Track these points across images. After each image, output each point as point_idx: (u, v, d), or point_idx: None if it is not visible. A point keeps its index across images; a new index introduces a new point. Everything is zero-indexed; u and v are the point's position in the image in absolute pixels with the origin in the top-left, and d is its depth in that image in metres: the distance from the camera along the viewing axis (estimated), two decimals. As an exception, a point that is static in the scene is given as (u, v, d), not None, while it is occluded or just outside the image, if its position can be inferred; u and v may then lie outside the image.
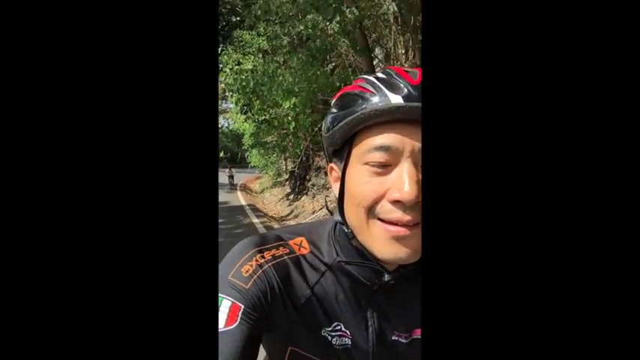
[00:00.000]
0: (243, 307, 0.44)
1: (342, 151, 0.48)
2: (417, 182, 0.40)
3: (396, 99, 0.42)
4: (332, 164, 0.51)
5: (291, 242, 0.52)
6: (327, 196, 5.81)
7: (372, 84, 0.45)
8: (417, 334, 0.53)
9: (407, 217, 0.41)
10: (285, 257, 0.50)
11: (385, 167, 0.43)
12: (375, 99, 0.43)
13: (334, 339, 0.51)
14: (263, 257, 0.49)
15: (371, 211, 0.43)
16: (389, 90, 0.43)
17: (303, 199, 7.79)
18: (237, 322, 0.43)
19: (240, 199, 9.72)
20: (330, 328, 0.50)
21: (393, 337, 0.52)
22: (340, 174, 0.49)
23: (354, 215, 0.45)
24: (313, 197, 7.21)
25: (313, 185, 7.63)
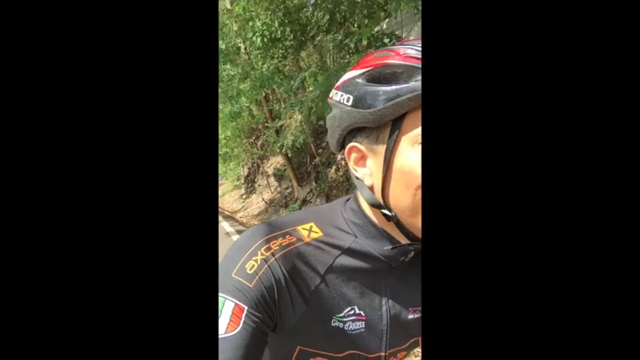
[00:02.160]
0: (246, 308, 0.42)
1: (380, 129, 0.43)
2: None
3: None
4: (354, 144, 0.46)
5: (299, 228, 0.49)
6: (263, 192, 7.87)
7: (417, 55, 0.40)
8: None
9: None
10: (293, 246, 0.46)
11: None
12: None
13: (347, 324, 0.48)
14: (269, 249, 0.45)
15: None
16: None
17: (252, 196, 9.87)
18: (240, 326, 0.41)
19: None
20: (342, 314, 0.47)
21: (409, 315, 0.50)
22: (382, 155, 0.43)
23: (410, 198, 0.42)
24: (259, 194, 9.28)
25: (259, 185, 9.73)
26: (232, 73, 4.77)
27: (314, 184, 6.14)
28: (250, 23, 4.34)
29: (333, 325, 0.47)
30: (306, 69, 4.24)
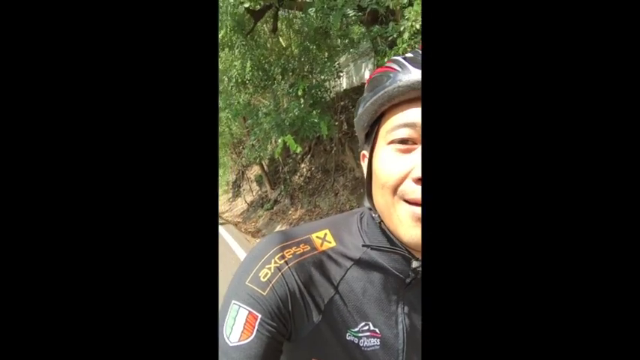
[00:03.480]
0: (260, 316, 0.42)
1: (370, 134, 0.47)
2: None
3: (419, 74, 0.40)
4: (363, 151, 0.50)
5: (313, 236, 0.49)
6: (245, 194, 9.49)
7: (398, 62, 0.44)
8: None
9: None
10: (307, 255, 0.47)
11: (410, 145, 0.41)
12: (400, 76, 0.42)
13: (362, 340, 0.47)
14: (283, 257, 0.46)
15: (397, 193, 0.41)
16: (413, 66, 0.41)
17: (237, 199, 11.49)
18: (253, 334, 0.41)
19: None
20: (356, 329, 0.47)
21: None
22: (368, 156, 0.47)
23: (380, 197, 0.44)
24: (243, 197, 10.89)
25: (243, 189, 11.34)
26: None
27: (282, 187, 7.77)
28: (228, 71, 6.00)
29: (347, 338, 0.46)
30: (266, 105, 5.90)
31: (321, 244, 0.48)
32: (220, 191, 17.73)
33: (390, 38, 3.51)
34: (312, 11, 3.84)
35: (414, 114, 0.41)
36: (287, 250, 0.46)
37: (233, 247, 5.74)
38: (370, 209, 0.48)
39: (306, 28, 5.09)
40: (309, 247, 0.47)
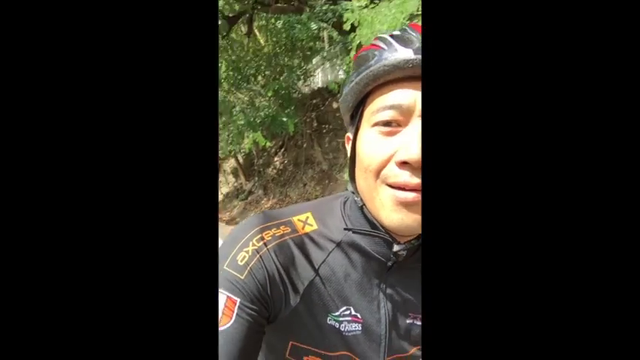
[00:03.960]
0: (239, 300, 0.41)
1: (354, 115, 0.46)
2: None
3: (406, 53, 0.39)
4: (347, 134, 0.49)
5: (294, 219, 0.49)
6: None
7: (384, 40, 0.42)
8: None
9: (415, 181, 0.38)
10: (287, 237, 0.46)
11: (395, 127, 0.40)
12: (385, 54, 0.41)
13: (343, 325, 0.47)
14: (262, 239, 0.45)
15: (379, 176, 0.41)
16: (400, 44, 0.40)
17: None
18: (232, 319, 0.40)
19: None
20: (337, 313, 0.47)
21: (408, 320, 0.49)
22: (352, 138, 0.46)
23: (363, 181, 0.43)
24: (220, 188, 11.38)
25: (220, 181, 11.83)
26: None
27: (256, 179, 8.30)
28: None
29: (328, 322, 0.46)
30: (241, 103, 6.41)
31: (303, 227, 0.48)
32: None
33: (349, 48, 4.05)
34: (279, 24, 4.32)
35: (399, 95, 0.39)
36: (266, 232, 0.45)
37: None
38: (353, 192, 0.47)
39: (274, 39, 5.61)
40: (289, 229, 0.47)
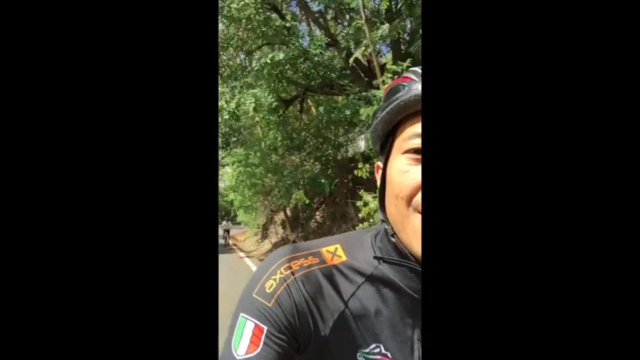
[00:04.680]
0: (266, 328, 0.41)
1: (385, 144, 0.46)
2: None
3: None
4: (377, 162, 0.48)
5: (323, 250, 0.48)
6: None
7: (415, 72, 0.44)
8: None
9: None
10: (315, 267, 0.45)
11: None
12: (415, 85, 0.42)
13: None
14: (289, 268, 0.45)
15: (410, 203, 0.40)
16: None
17: (265, 241, 13.33)
18: (260, 347, 0.40)
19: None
20: (367, 350, 0.44)
21: None
22: (382, 167, 0.46)
23: (394, 208, 0.42)
24: (269, 239, 12.71)
25: (270, 232, 13.21)
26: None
27: (299, 230, 9.50)
28: (264, 138, 8.11)
29: (358, 357, 0.44)
30: (291, 166, 7.91)
31: (332, 258, 0.47)
32: (252, 232, 19.80)
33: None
34: (321, 109, 5.69)
35: None
36: (294, 262, 0.45)
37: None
38: (383, 221, 0.46)
39: (319, 117, 7.15)
40: (317, 260, 0.46)
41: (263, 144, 8.00)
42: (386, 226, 0.46)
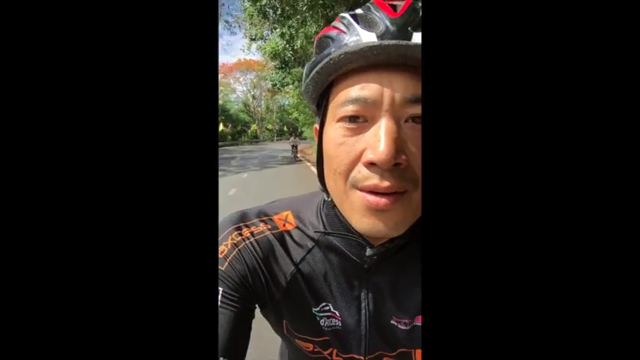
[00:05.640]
0: (221, 290, 0.43)
1: (320, 106, 0.42)
2: (395, 140, 0.34)
3: (368, 37, 0.35)
4: (315, 124, 0.46)
5: (275, 217, 0.50)
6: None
7: (345, 21, 0.39)
8: (420, 320, 0.47)
9: (385, 184, 0.35)
10: (267, 233, 0.47)
11: (362, 123, 0.37)
12: (346, 39, 0.37)
13: (322, 320, 0.48)
14: (240, 235, 0.46)
15: (348, 179, 0.38)
16: (362, 27, 0.36)
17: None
18: (218, 307, 0.42)
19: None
20: (317, 309, 0.48)
21: (391, 322, 0.48)
22: (318, 132, 0.43)
23: (332, 182, 0.40)
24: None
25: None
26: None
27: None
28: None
29: (312, 313, 0.48)
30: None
31: (283, 225, 0.49)
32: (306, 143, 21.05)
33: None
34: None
35: (365, 87, 0.35)
36: (245, 229, 0.47)
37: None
38: (323, 191, 0.45)
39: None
40: (270, 226, 0.48)
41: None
42: (326, 198, 0.45)
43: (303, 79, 0.42)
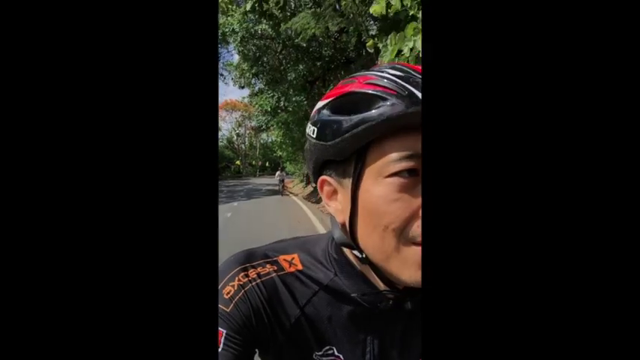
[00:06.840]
0: (225, 332, 0.43)
1: (346, 162, 0.42)
2: None
3: (419, 96, 0.36)
4: (325, 177, 0.45)
5: (280, 259, 0.49)
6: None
7: (394, 82, 0.38)
8: None
9: None
10: (273, 275, 0.47)
11: (417, 177, 0.37)
12: (401, 100, 0.37)
13: None
14: (247, 276, 0.46)
15: (403, 234, 0.38)
16: (416, 89, 0.37)
17: (308, 186, 16.79)
18: (220, 349, 0.42)
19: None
20: (320, 352, 0.47)
21: None
22: (349, 190, 0.42)
23: (378, 239, 0.39)
24: (310, 183, 16.09)
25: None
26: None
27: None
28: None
29: (314, 358, 0.47)
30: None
31: (289, 266, 0.49)
32: (298, 180, 23.53)
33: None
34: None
35: (418, 139, 0.35)
36: (251, 270, 0.47)
37: (303, 207, 10.81)
38: (346, 245, 0.45)
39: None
40: (276, 267, 0.48)
41: (298, 115, 10.94)
42: (358, 254, 0.44)
43: (329, 136, 0.40)
